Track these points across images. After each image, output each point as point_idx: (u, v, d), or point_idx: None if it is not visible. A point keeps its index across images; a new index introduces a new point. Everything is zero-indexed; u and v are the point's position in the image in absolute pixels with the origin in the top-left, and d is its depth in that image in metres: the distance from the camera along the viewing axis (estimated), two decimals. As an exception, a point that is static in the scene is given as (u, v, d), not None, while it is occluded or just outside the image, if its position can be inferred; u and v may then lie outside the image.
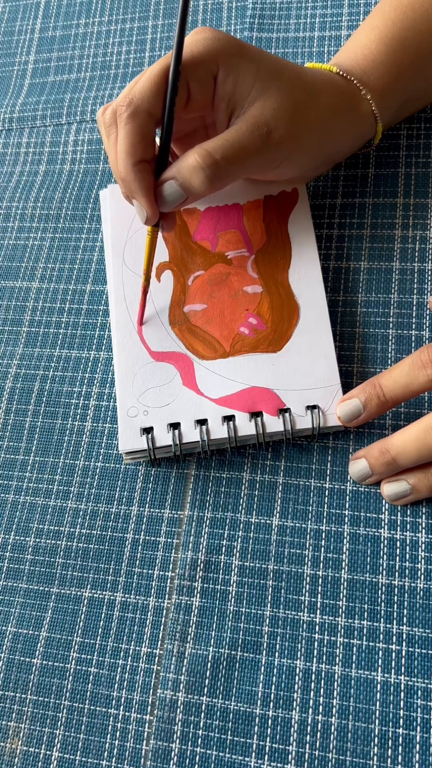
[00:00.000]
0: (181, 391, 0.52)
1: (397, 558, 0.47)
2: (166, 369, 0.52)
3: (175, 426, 0.51)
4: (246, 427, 0.50)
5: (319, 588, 0.48)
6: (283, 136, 0.49)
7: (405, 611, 0.46)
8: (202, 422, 0.51)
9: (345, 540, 0.48)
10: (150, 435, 0.50)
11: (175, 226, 0.54)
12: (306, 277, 0.54)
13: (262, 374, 0.52)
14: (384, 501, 0.49)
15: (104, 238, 0.59)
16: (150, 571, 0.51)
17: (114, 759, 0.46)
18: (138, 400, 0.51)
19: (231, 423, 0.50)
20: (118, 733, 0.47)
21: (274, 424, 0.50)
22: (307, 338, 0.52)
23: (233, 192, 0.58)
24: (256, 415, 0.50)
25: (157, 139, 0.50)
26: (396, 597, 0.46)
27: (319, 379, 0.51)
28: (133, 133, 0.47)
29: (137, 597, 0.50)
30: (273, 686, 0.46)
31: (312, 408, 0.50)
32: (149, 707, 0.47)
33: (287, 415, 0.50)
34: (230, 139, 0.47)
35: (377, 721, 0.44)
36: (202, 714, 0.46)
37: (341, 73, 0.52)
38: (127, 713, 0.47)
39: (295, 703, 0.45)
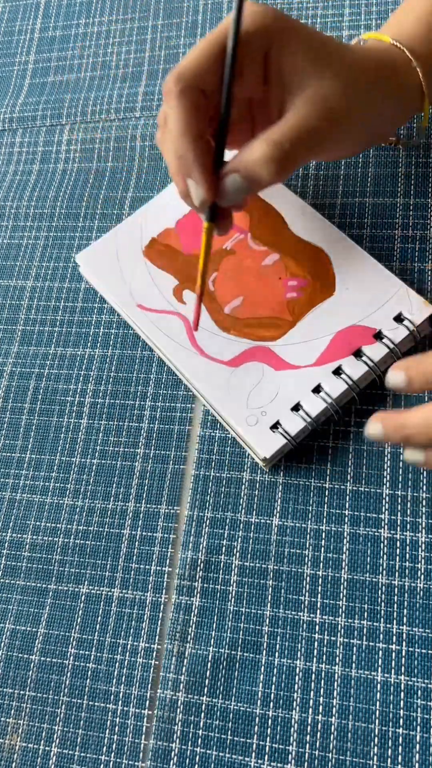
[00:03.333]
0: (278, 376, 0.51)
1: (397, 558, 0.47)
2: (250, 368, 0.52)
3: (296, 408, 0.50)
4: (358, 369, 0.50)
5: (319, 588, 0.47)
6: (343, 116, 0.47)
7: (405, 611, 0.46)
8: (317, 390, 0.50)
9: (345, 540, 0.48)
10: (281, 428, 0.50)
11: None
12: (307, 221, 0.55)
13: (336, 318, 0.52)
14: (384, 501, 0.48)
15: (106, 298, 0.59)
16: (147, 567, 0.50)
17: (113, 754, 0.46)
18: (248, 408, 0.51)
19: (342, 374, 0.50)
20: (116, 728, 0.47)
21: (378, 351, 0.50)
22: (348, 267, 0.53)
23: None
24: (357, 354, 0.51)
25: None
26: (396, 597, 0.46)
27: (384, 291, 0.52)
28: (186, 109, 0.45)
29: (134, 593, 0.50)
30: (273, 686, 0.45)
31: (397, 318, 0.51)
32: (147, 702, 0.47)
33: (384, 333, 0.51)
34: (296, 124, 0.45)
35: (377, 721, 0.43)
36: (202, 714, 0.46)
37: (395, 43, 0.50)
38: (125, 708, 0.47)
39: (295, 703, 0.45)
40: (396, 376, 0.44)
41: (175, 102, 0.45)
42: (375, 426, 0.47)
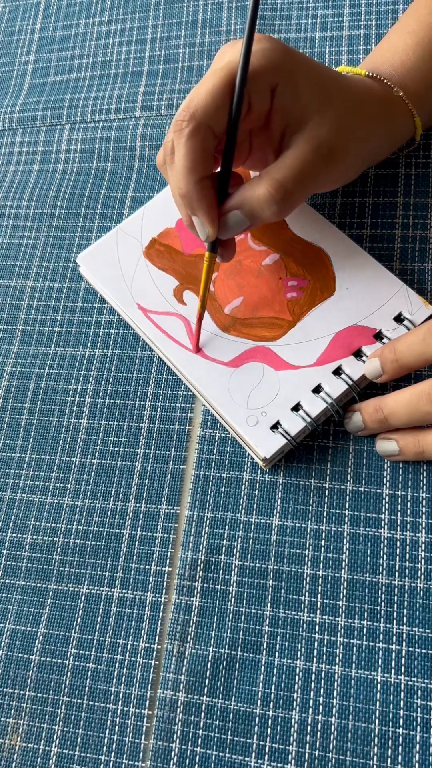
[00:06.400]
0: (279, 376, 0.51)
1: (397, 558, 0.47)
2: (250, 368, 0.52)
3: (296, 408, 0.50)
4: (358, 369, 0.50)
5: (319, 588, 0.47)
6: (340, 155, 0.48)
7: (405, 611, 0.46)
8: (317, 390, 0.50)
9: (345, 540, 0.48)
10: (281, 428, 0.50)
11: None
12: (307, 222, 0.55)
13: (336, 318, 0.52)
14: (384, 501, 0.48)
15: (106, 299, 0.59)
16: (147, 567, 0.50)
17: (113, 753, 0.46)
18: (248, 408, 0.51)
19: (342, 374, 0.50)
20: (116, 728, 0.47)
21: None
22: (348, 267, 0.53)
23: None
24: (357, 354, 0.51)
25: None
26: (396, 597, 0.46)
27: (384, 291, 0.52)
28: (195, 149, 0.45)
29: (134, 593, 0.50)
30: (273, 686, 0.45)
31: (397, 318, 0.51)
32: (147, 702, 0.47)
33: (384, 333, 0.51)
34: (297, 165, 0.46)
35: (377, 721, 0.43)
36: (202, 714, 0.46)
37: (383, 80, 0.51)
38: (125, 708, 0.47)
39: (295, 703, 0.45)
40: (372, 364, 0.49)
41: (184, 140, 0.45)
42: (354, 415, 0.50)
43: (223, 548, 0.49)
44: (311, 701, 0.45)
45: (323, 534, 0.48)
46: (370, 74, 0.52)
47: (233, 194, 0.48)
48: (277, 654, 0.46)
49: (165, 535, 0.51)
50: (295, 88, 0.47)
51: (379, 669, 0.45)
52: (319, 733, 0.44)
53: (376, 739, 0.43)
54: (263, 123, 0.49)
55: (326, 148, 0.47)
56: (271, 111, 0.48)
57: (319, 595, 0.47)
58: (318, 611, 0.47)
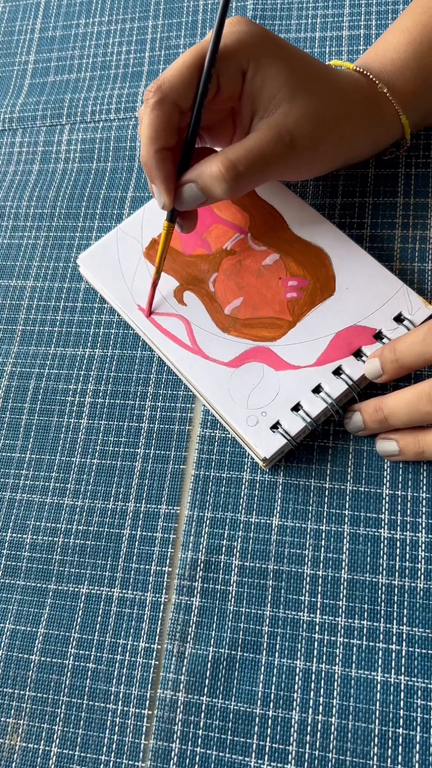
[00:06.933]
0: (279, 376, 0.51)
1: (397, 558, 0.47)
2: (251, 368, 0.52)
3: (296, 408, 0.50)
4: (358, 369, 0.50)
5: (319, 588, 0.47)
6: (305, 146, 0.48)
7: (405, 611, 0.46)
8: (317, 390, 0.50)
9: (345, 540, 0.48)
10: (281, 428, 0.49)
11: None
12: (307, 222, 0.55)
13: (336, 318, 0.52)
14: (384, 501, 0.48)
15: (106, 299, 0.59)
16: (147, 567, 0.50)
17: (113, 754, 0.46)
18: (248, 408, 0.51)
19: (342, 374, 0.50)
20: (116, 728, 0.47)
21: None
22: (348, 267, 0.53)
23: None
24: (357, 354, 0.51)
25: None
26: (396, 597, 0.46)
27: (384, 291, 0.52)
28: (157, 120, 0.47)
29: (134, 593, 0.50)
30: (273, 686, 0.45)
31: (397, 318, 0.51)
32: (147, 702, 0.47)
33: (384, 333, 0.51)
34: (254, 148, 0.47)
35: (377, 721, 0.43)
36: (202, 714, 0.46)
37: (370, 76, 0.51)
38: (125, 708, 0.47)
39: (295, 703, 0.45)
40: (372, 364, 0.49)
41: (148, 111, 0.47)
42: (354, 415, 0.50)
43: (223, 548, 0.49)
44: (311, 701, 0.45)
45: (323, 534, 0.48)
46: (358, 69, 0.52)
47: (191, 168, 0.49)
48: (277, 654, 0.46)
49: (165, 535, 0.51)
50: (266, 73, 0.47)
51: (379, 669, 0.45)
52: (319, 733, 0.44)
53: (376, 739, 0.43)
54: (237, 105, 0.50)
55: (289, 137, 0.48)
56: (242, 93, 0.49)
57: (319, 595, 0.47)
58: (318, 611, 0.47)
